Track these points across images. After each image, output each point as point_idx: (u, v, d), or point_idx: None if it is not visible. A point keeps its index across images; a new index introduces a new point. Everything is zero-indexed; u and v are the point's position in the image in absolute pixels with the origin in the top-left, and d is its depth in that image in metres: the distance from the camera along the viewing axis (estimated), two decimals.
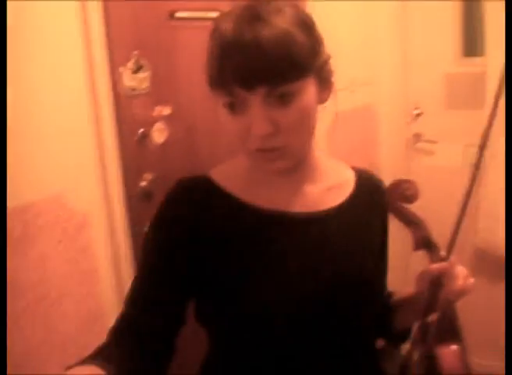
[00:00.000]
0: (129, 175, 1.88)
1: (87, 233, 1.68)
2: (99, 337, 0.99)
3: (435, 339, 1.04)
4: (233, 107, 0.93)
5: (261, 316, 0.98)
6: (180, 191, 1.06)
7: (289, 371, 1.01)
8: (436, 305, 1.01)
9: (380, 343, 1.18)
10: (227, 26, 0.91)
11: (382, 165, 2.95)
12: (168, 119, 1.99)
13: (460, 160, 2.87)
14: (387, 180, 1.18)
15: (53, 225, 1.57)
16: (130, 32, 1.86)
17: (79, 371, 0.82)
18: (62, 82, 1.58)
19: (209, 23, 0.97)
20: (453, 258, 1.03)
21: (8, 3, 1.22)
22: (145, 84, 1.90)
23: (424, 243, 1.10)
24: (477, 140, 1.06)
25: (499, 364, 1.31)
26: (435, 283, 1.01)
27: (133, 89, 1.86)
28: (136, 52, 1.85)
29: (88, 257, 1.69)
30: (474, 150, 1.07)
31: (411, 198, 1.13)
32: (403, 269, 2.24)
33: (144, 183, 1.95)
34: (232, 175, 1.08)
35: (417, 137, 3.16)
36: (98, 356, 0.91)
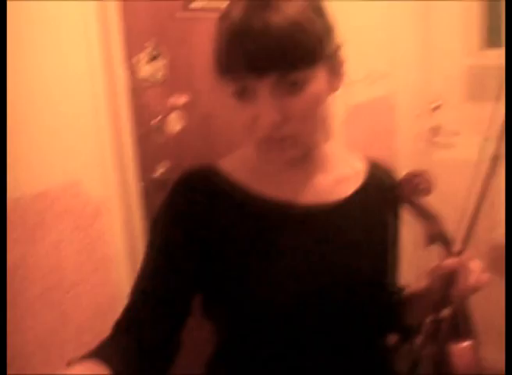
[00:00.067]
0: (145, 163, 1.88)
1: (102, 222, 1.69)
2: None
3: (447, 335, 1.02)
4: (242, 95, 0.92)
5: (271, 308, 0.97)
6: (185, 184, 1.04)
7: (296, 365, 1.01)
8: (448, 300, 1.00)
9: (393, 339, 1.17)
10: (237, 12, 0.89)
11: (399, 157, 2.92)
12: (184, 107, 1.99)
13: (479, 153, 2.83)
14: (404, 173, 1.16)
15: (68, 213, 1.57)
16: (146, 20, 1.85)
17: (78, 370, 0.80)
18: (79, 70, 1.58)
19: None
20: (467, 252, 1.01)
21: None
22: (161, 73, 1.89)
23: (438, 237, 1.08)
24: (496, 132, 1.04)
25: None
26: (447, 279, 0.99)
27: (149, 78, 1.86)
28: (152, 41, 1.84)
29: (103, 245, 1.70)
30: (493, 142, 1.05)
31: (425, 191, 1.10)
32: (416, 263, 2.22)
33: (159, 172, 1.95)
34: (240, 165, 1.07)
35: (437, 129, 3.12)
36: (100, 352, 0.89)
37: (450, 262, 1.00)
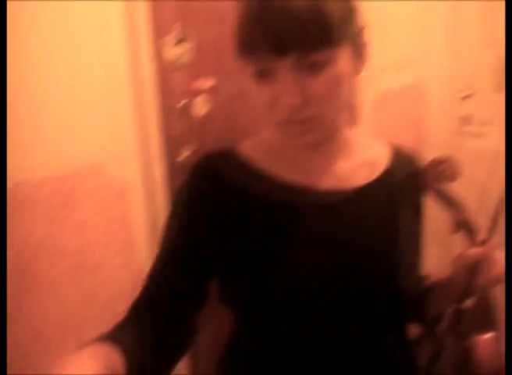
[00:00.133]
0: (170, 146, 1.87)
1: (126, 203, 1.69)
2: None
3: (469, 326, 1.01)
4: (262, 76, 0.91)
5: (289, 292, 0.96)
6: (204, 166, 1.04)
7: (316, 353, 1.00)
8: (472, 290, 0.98)
9: (415, 329, 1.16)
10: None
11: (428, 145, 2.88)
12: (210, 90, 1.98)
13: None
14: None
15: (92, 194, 1.58)
16: (174, 3, 1.84)
17: (89, 354, 0.75)
18: (104, 52, 1.58)
19: None
20: (492, 242, 0.99)
21: None
22: (188, 55, 1.88)
23: (462, 225, 1.06)
24: None
25: None
26: (472, 269, 0.97)
27: (176, 61, 1.85)
28: (179, 24, 1.83)
29: (127, 227, 1.71)
30: None
31: (450, 178, 1.08)
32: (441, 252, 2.19)
33: (184, 155, 1.95)
34: (259, 149, 1.06)
35: (467, 118, 3.07)
36: (115, 334, 0.89)
37: (475, 251, 0.98)
